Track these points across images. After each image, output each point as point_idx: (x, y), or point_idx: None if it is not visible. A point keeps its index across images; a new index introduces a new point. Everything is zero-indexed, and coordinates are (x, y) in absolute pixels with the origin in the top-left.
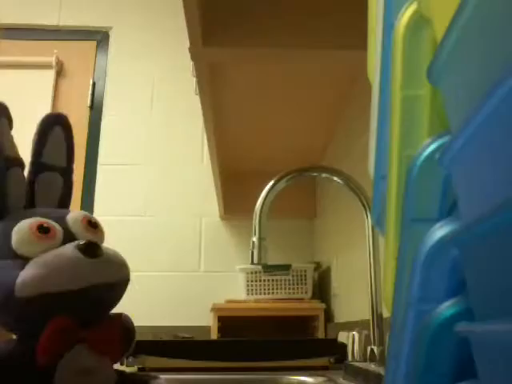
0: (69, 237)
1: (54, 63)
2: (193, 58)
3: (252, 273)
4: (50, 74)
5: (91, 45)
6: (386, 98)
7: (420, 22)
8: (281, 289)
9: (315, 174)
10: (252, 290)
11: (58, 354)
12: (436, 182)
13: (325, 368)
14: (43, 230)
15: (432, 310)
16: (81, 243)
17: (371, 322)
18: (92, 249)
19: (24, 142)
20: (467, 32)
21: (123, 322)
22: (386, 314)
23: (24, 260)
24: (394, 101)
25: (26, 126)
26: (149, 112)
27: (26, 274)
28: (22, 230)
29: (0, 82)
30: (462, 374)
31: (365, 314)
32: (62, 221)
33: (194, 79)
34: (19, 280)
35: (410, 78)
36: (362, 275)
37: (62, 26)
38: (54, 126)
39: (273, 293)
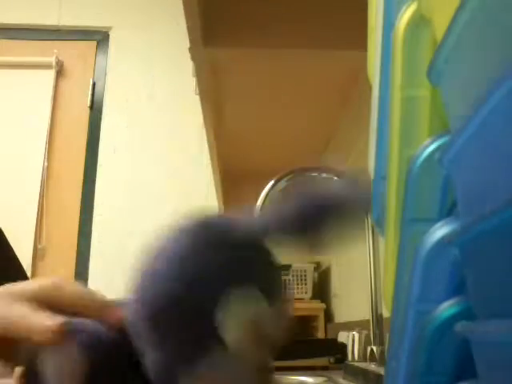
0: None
1: (54, 63)
2: (193, 58)
3: None
4: (50, 74)
5: (91, 45)
6: (385, 97)
7: (420, 22)
8: None
9: (315, 174)
10: None
11: None
12: (436, 182)
13: (325, 368)
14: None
15: (432, 310)
16: (261, 369)
17: (371, 321)
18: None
19: (24, 141)
20: (467, 32)
21: None
22: (386, 314)
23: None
24: (394, 101)
25: (26, 125)
26: (149, 112)
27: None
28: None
29: (0, 82)
30: (462, 374)
31: (365, 314)
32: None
33: (194, 79)
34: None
35: (410, 78)
36: (361, 275)
37: (62, 26)
38: None
39: None
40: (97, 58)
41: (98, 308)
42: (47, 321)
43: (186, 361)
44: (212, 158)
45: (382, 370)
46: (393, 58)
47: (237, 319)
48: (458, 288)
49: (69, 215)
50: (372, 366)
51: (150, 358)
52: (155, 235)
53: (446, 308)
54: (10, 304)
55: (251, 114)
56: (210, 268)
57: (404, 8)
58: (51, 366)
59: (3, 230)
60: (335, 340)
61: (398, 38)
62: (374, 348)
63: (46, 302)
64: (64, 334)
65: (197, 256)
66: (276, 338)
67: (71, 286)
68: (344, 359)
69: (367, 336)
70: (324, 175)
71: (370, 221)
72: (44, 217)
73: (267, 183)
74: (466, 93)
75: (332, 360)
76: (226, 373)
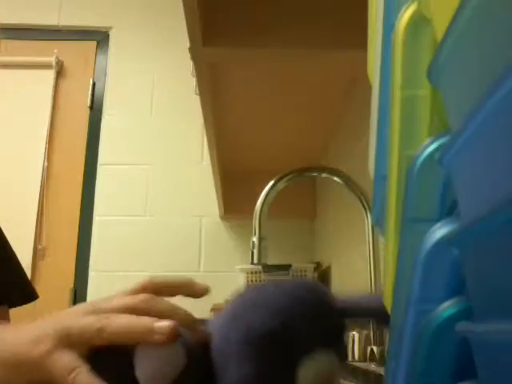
0: None
1: (54, 63)
2: (193, 58)
3: (252, 273)
4: (50, 74)
5: (91, 45)
6: (385, 97)
7: (420, 22)
8: None
9: (315, 174)
10: None
11: None
12: (436, 181)
13: None
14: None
15: (432, 310)
16: None
17: (371, 321)
18: None
19: (24, 141)
20: (467, 32)
21: None
22: None
23: None
24: (394, 101)
25: (26, 125)
26: (149, 112)
27: None
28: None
29: (0, 82)
30: (462, 374)
31: None
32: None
33: (194, 79)
34: None
35: (410, 78)
36: (362, 275)
37: (62, 26)
38: None
39: None
40: (97, 58)
41: (190, 322)
42: (164, 322)
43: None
44: (212, 158)
45: (381, 370)
46: (393, 58)
47: (314, 373)
48: (458, 288)
49: (69, 215)
50: (372, 366)
51: (232, 372)
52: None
53: (446, 308)
54: (118, 316)
55: (251, 114)
56: (305, 321)
57: (404, 8)
58: (148, 364)
59: (3, 229)
60: None
61: (398, 38)
62: (374, 348)
63: (146, 313)
64: (177, 334)
65: (295, 306)
66: None
67: (162, 300)
68: (344, 359)
69: (367, 336)
70: (324, 175)
71: (370, 221)
72: (44, 217)
73: (267, 183)
74: (466, 93)
75: None
76: None
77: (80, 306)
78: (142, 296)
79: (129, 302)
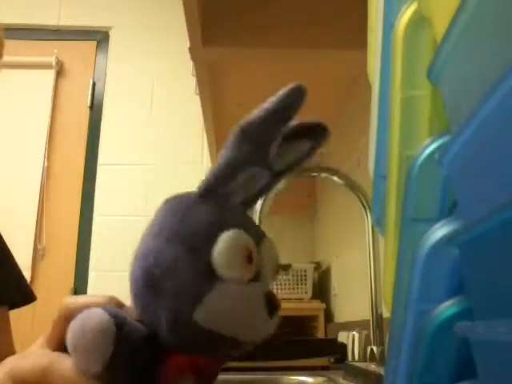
0: (257, 273)
1: (54, 63)
2: (193, 58)
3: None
4: (50, 74)
5: (91, 45)
6: (385, 97)
7: (420, 22)
8: (281, 289)
9: (315, 174)
10: None
11: None
12: (436, 182)
13: (325, 368)
14: (250, 259)
15: (432, 310)
16: (268, 294)
17: (371, 322)
18: (274, 308)
19: (24, 141)
20: (467, 32)
21: None
22: (385, 314)
23: (214, 276)
24: (394, 101)
25: (26, 125)
26: (149, 112)
27: (211, 303)
28: (234, 247)
29: (0, 82)
30: (462, 373)
31: (365, 314)
32: (260, 246)
33: (194, 79)
34: (202, 308)
35: (410, 78)
36: (361, 275)
37: (62, 26)
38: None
39: None
40: (97, 58)
41: None
42: None
43: (193, 301)
44: (212, 158)
45: (381, 370)
46: (393, 58)
47: (227, 245)
48: (458, 288)
49: (69, 215)
50: (372, 366)
51: (160, 312)
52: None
53: (446, 308)
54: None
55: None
56: (204, 219)
57: (404, 8)
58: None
59: (3, 230)
60: (335, 340)
61: (398, 38)
62: (374, 348)
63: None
64: None
65: (189, 213)
66: (266, 270)
67: (61, 372)
68: (344, 359)
69: (367, 336)
70: (324, 175)
71: (370, 221)
72: (44, 217)
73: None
74: (466, 93)
75: (332, 360)
76: (231, 301)
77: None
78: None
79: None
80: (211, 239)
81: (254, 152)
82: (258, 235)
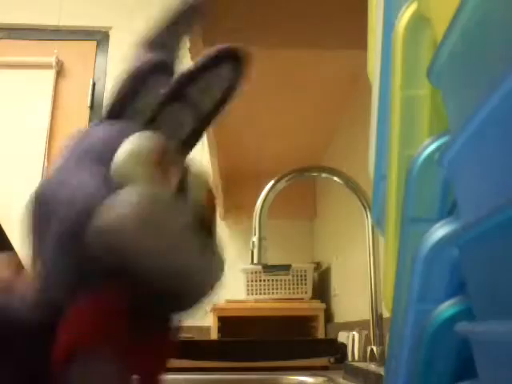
0: (183, 190)
1: (54, 63)
2: (193, 58)
3: (252, 273)
4: (50, 74)
5: (91, 45)
6: (386, 98)
7: (420, 21)
8: (281, 289)
9: (315, 174)
10: (252, 290)
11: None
12: (436, 182)
13: (325, 368)
14: (164, 163)
15: (432, 310)
16: (199, 211)
17: (371, 322)
18: (209, 228)
19: (24, 141)
20: (467, 32)
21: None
22: (386, 314)
23: (115, 186)
24: (394, 101)
25: (26, 125)
26: None
27: (110, 208)
28: (136, 150)
29: (0, 82)
30: (462, 373)
31: (365, 313)
32: (186, 174)
33: None
34: (105, 209)
35: (410, 78)
36: (362, 275)
37: (62, 25)
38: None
39: (273, 293)
40: (97, 58)
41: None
42: None
43: (86, 208)
44: (212, 158)
45: (381, 370)
46: (393, 58)
47: (127, 148)
48: (458, 288)
49: None
50: (372, 366)
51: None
52: None
53: (446, 308)
54: None
55: (251, 114)
56: (104, 133)
57: (404, 8)
58: None
59: (4, 230)
60: (335, 340)
61: (398, 37)
62: (374, 348)
63: None
64: None
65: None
66: (181, 170)
67: None
68: (344, 359)
69: (367, 336)
70: (324, 175)
71: (370, 221)
72: None
73: (267, 183)
74: (466, 93)
75: (332, 360)
76: (137, 205)
77: None
78: None
79: None
80: (114, 144)
81: (157, 57)
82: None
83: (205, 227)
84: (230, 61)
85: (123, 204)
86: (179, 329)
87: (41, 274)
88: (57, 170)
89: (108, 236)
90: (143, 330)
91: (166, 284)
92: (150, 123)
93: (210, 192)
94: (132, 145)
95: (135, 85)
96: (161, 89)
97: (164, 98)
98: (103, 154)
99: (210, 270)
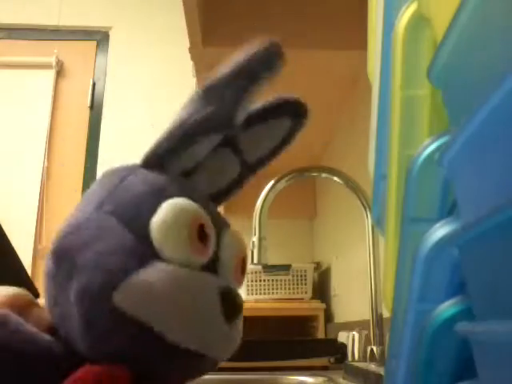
0: (213, 262)
1: (54, 63)
2: (193, 58)
3: (252, 273)
4: (50, 74)
5: (91, 45)
6: (386, 97)
7: (420, 21)
8: (281, 289)
9: (315, 174)
10: (252, 289)
11: None
12: (436, 181)
13: (325, 368)
14: (203, 235)
15: (432, 310)
16: (227, 291)
17: (371, 322)
18: (234, 310)
19: (24, 141)
20: (467, 32)
21: None
22: (386, 314)
23: (150, 252)
24: (394, 101)
25: (26, 125)
26: (149, 112)
27: (139, 282)
28: (178, 217)
29: (0, 82)
30: (462, 373)
31: (365, 313)
32: (222, 234)
33: (194, 79)
34: (125, 286)
35: (410, 78)
36: (362, 275)
37: (62, 26)
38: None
39: (273, 293)
40: (97, 58)
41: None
42: None
43: (115, 276)
44: None
45: (381, 370)
46: (393, 58)
47: (168, 213)
48: (458, 288)
49: None
50: (372, 366)
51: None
52: None
53: (446, 308)
54: None
55: None
56: (141, 187)
57: (404, 8)
58: None
59: (4, 230)
60: (335, 340)
61: (398, 37)
62: (374, 348)
63: None
64: None
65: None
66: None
67: None
68: (344, 359)
69: (367, 336)
70: (324, 175)
71: (370, 221)
72: (44, 217)
73: (267, 183)
74: (466, 93)
75: (332, 360)
76: (169, 285)
77: None
78: None
79: None
80: (149, 209)
81: (217, 114)
82: (219, 222)
83: (230, 304)
84: (290, 114)
85: (154, 278)
86: None
87: (60, 323)
88: (77, 225)
89: (134, 311)
90: None
91: (188, 361)
92: (192, 171)
93: (243, 259)
94: (167, 215)
95: (184, 141)
96: (209, 144)
97: (214, 145)
98: (136, 218)
99: (231, 347)
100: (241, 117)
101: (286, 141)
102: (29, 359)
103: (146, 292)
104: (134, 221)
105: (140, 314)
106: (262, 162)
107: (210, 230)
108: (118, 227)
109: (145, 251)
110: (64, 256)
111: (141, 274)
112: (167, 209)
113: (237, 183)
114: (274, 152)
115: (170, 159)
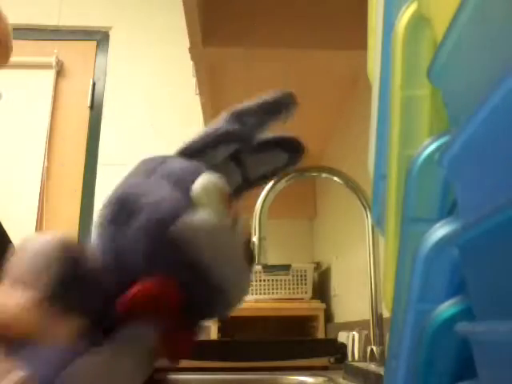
0: (235, 225)
1: (54, 63)
2: (193, 58)
3: (252, 273)
4: (50, 74)
5: (91, 45)
6: (386, 98)
7: (420, 21)
8: (281, 289)
9: (315, 174)
10: (252, 289)
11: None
12: (436, 181)
13: (325, 368)
14: (228, 201)
15: (432, 310)
16: (246, 241)
17: (371, 322)
18: (253, 258)
19: (24, 141)
20: (467, 32)
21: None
22: (386, 314)
23: (193, 204)
24: (394, 101)
25: (26, 125)
26: (148, 112)
27: (190, 220)
28: (214, 183)
29: (0, 82)
30: (462, 373)
31: (365, 313)
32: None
33: (194, 79)
34: (187, 218)
35: (410, 78)
36: (362, 275)
37: (62, 26)
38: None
39: (273, 293)
40: (97, 58)
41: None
42: None
43: (171, 213)
44: None
45: (381, 370)
46: (393, 58)
47: (209, 179)
48: (458, 288)
49: (69, 215)
50: (372, 366)
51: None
52: None
53: (446, 308)
54: None
55: None
56: (183, 163)
57: (404, 8)
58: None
59: (4, 229)
60: (335, 340)
61: (398, 38)
62: (374, 348)
63: None
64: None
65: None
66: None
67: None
68: (344, 359)
69: (367, 336)
70: (324, 175)
71: (370, 221)
72: (44, 217)
73: (267, 183)
74: (466, 93)
75: (332, 360)
76: (213, 226)
77: None
78: None
79: None
80: (191, 177)
81: (241, 130)
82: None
83: (247, 254)
84: (291, 151)
85: (201, 219)
86: (203, 330)
87: (117, 257)
88: (135, 183)
89: (186, 237)
90: (184, 322)
91: (218, 287)
92: (213, 169)
93: (250, 235)
94: (210, 179)
95: (214, 142)
96: (228, 151)
97: (227, 156)
98: (181, 181)
99: (248, 286)
100: (255, 141)
101: (283, 169)
102: (93, 272)
103: (196, 228)
104: (180, 183)
105: (189, 246)
106: (263, 178)
107: (231, 200)
108: (168, 186)
109: (188, 203)
110: (126, 202)
111: (192, 214)
112: (208, 176)
113: (235, 193)
114: (273, 174)
115: (198, 154)
